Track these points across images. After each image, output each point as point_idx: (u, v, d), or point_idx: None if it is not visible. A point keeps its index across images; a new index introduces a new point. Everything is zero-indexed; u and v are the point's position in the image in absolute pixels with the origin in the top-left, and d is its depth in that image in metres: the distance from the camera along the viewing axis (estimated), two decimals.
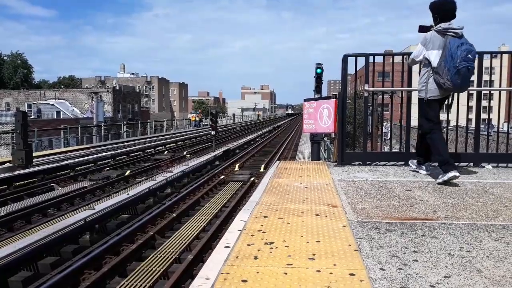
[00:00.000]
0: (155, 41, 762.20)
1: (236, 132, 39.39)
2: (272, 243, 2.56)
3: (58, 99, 49.95)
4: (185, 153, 20.39)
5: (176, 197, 10.17)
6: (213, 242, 6.85)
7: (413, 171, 5.10)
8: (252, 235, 2.70)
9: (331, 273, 2.11)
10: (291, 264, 2.22)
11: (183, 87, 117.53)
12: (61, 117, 45.35)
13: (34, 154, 15.19)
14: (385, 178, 4.76)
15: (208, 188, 11.54)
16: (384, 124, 20.09)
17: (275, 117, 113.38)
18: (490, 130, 6.73)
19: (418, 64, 4.76)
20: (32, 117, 40.56)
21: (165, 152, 21.06)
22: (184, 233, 7.33)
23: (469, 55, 4.12)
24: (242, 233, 2.76)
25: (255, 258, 2.32)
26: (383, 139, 25.72)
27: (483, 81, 5.81)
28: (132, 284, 5.26)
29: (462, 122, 6.45)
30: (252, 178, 12.89)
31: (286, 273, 2.11)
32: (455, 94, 4.76)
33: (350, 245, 2.52)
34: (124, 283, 5.27)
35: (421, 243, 2.57)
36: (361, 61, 5.65)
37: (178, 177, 12.46)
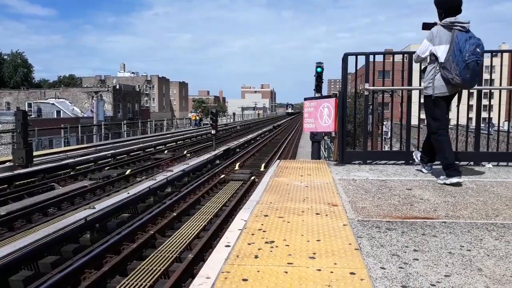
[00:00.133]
0: (155, 40, 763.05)
1: (237, 131, 39.38)
2: (272, 242, 2.56)
3: (58, 98, 49.95)
4: (185, 152, 20.39)
5: (177, 196, 10.17)
6: (213, 241, 6.86)
7: (416, 166, 5.06)
8: (253, 234, 2.70)
9: (331, 272, 2.11)
10: (292, 263, 2.22)
11: (183, 86, 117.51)
12: (61, 116, 45.35)
13: (35, 153, 15.19)
14: (385, 177, 4.76)
15: (208, 187, 11.53)
16: (385, 123, 20.08)
17: (275, 116, 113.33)
18: (490, 129, 6.72)
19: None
20: (32, 116, 40.62)
21: (166, 151, 21.06)
22: (185, 232, 7.33)
23: (478, 49, 4.00)
24: (242, 232, 2.76)
25: (256, 257, 2.32)
26: (383, 138, 25.71)
27: (483, 80, 5.80)
28: (133, 283, 5.26)
29: (463, 121, 6.44)
30: (253, 177, 12.89)
31: (286, 272, 2.11)
32: (462, 93, 4.64)
33: (350, 244, 2.52)
34: (124, 282, 5.28)
35: (421, 242, 2.57)
36: (362, 60, 5.66)
37: (179, 176, 12.45)
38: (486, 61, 5.50)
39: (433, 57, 4.30)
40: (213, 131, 20.71)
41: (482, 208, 3.38)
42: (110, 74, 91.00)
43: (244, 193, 10.70)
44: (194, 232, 7.32)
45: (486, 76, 6.17)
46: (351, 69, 5.71)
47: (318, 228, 2.81)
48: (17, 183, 11.69)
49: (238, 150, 21.25)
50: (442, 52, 4.17)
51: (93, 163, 15.77)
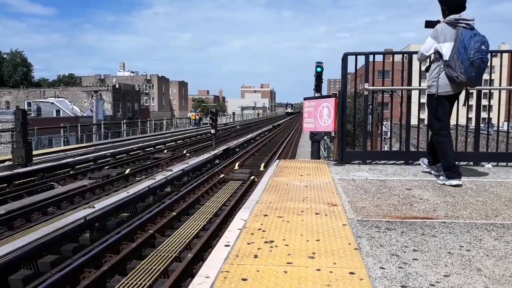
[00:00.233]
0: (155, 40, 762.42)
1: (236, 131, 39.39)
2: (272, 241, 2.56)
3: (58, 97, 49.91)
4: (185, 151, 20.39)
5: (176, 196, 10.17)
6: (213, 241, 6.86)
7: (416, 166, 5.05)
8: (252, 234, 2.70)
9: (331, 271, 2.11)
10: (291, 263, 2.23)
11: (183, 85, 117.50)
12: (61, 115, 45.33)
13: (34, 152, 15.19)
14: (385, 177, 4.76)
15: (208, 187, 11.53)
16: (384, 123, 20.08)
17: (275, 116, 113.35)
18: (490, 129, 6.73)
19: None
20: (32, 115, 40.62)
21: (165, 151, 21.06)
22: (184, 231, 7.33)
23: (483, 46, 3.93)
24: (242, 231, 2.76)
25: (255, 256, 2.32)
26: (383, 138, 25.72)
27: (483, 80, 5.80)
28: (132, 282, 5.26)
29: (462, 121, 6.45)
30: (252, 177, 12.90)
31: (286, 272, 2.11)
32: (468, 92, 4.57)
33: (350, 244, 2.52)
34: (124, 282, 5.28)
35: (421, 242, 2.57)
36: (361, 60, 5.66)
37: (178, 176, 12.46)
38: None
39: (437, 55, 4.22)
40: (212, 131, 20.71)
41: (481, 208, 3.38)
42: (109, 73, 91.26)
43: (243, 193, 10.70)
44: (194, 232, 7.32)
45: (485, 76, 6.16)
46: (351, 69, 5.71)
47: (318, 228, 2.81)
48: (17, 182, 11.69)
49: (237, 149, 21.25)
50: (446, 49, 4.09)
51: (92, 163, 15.76)
